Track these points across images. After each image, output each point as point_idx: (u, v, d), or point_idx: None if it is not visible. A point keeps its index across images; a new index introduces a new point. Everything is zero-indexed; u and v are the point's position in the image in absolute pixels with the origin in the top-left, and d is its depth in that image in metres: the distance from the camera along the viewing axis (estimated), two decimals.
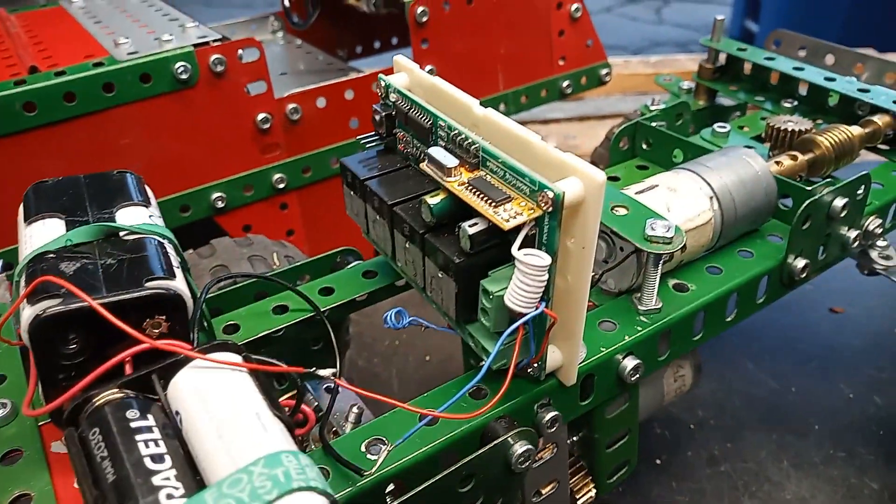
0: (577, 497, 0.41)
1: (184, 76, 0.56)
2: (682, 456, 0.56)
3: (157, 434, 0.24)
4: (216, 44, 0.58)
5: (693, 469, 0.55)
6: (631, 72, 1.23)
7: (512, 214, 0.29)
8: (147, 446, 0.23)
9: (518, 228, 0.29)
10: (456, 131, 0.33)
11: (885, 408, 0.60)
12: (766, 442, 0.57)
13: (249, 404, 0.24)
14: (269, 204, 0.64)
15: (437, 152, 0.32)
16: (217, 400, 0.24)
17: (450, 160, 0.32)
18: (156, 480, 0.22)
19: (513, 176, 0.30)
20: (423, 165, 0.33)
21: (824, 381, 0.63)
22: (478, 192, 0.30)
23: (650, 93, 1.17)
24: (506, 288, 0.29)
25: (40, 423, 0.33)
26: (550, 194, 0.28)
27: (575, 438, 0.41)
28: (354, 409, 0.41)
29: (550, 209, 0.28)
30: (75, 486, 0.31)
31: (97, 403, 0.25)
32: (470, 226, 0.30)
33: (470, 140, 0.32)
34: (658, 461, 0.55)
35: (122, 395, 0.25)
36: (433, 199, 0.32)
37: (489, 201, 0.29)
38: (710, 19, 0.64)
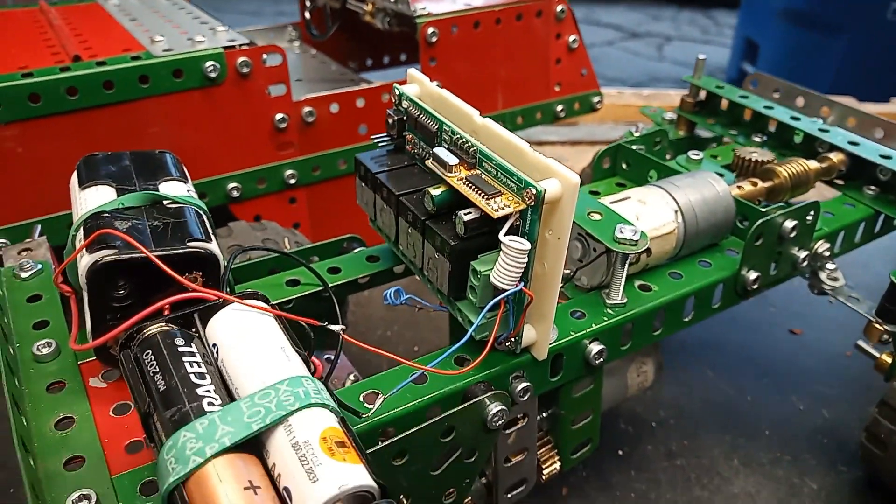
0: (543, 468, 0.46)
1: (213, 74, 0.61)
2: (643, 449, 0.61)
3: (199, 358, 0.29)
4: (244, 47, 0.63)
5: (651, 461, 0.60)
6: (624, 102, 1.30)
7: (501, 206, 0.34)
8: (191, 366, 0.28)
9: (505, 218, 0.34)
10: (458, 135, 0.38)
11: (830, 420, 0.66)
12: (719, 442, 0.62)
13: (276, 340, 0.30)
14: (280, 197, 0.70)
15: (441, 152, 0.38)
16: (250, 334, 0.29)
17: (451, 158, 0.37)
18: (199, 391, 0.27)
19: (504, 175, 0.35)
20: (429, 163, 0.39)
21: (778, 392, 0.69)
22: (473, 187, 0.36)
23: (640, 123, 1.24)
24: (492, 268, 0.35)
25: (80, 362, 0.38)
26: (534, 191, 0.33)
27: (544, 414, 0.46)
28: (351, 377, 0.46)
29: (533, 203, 0.34)
30: (110, 414, 0.36)
31: (148, 333, 0.30)
32: (465, 213, 0.36)
33: (469, 143, 0.37)
34: (620, 452, 0.61)
35: (168, 327, 0.30)
36: (435, 191, 0.37)
37: (482, 194, 0.35)
38: (710, 59, 0.70)
